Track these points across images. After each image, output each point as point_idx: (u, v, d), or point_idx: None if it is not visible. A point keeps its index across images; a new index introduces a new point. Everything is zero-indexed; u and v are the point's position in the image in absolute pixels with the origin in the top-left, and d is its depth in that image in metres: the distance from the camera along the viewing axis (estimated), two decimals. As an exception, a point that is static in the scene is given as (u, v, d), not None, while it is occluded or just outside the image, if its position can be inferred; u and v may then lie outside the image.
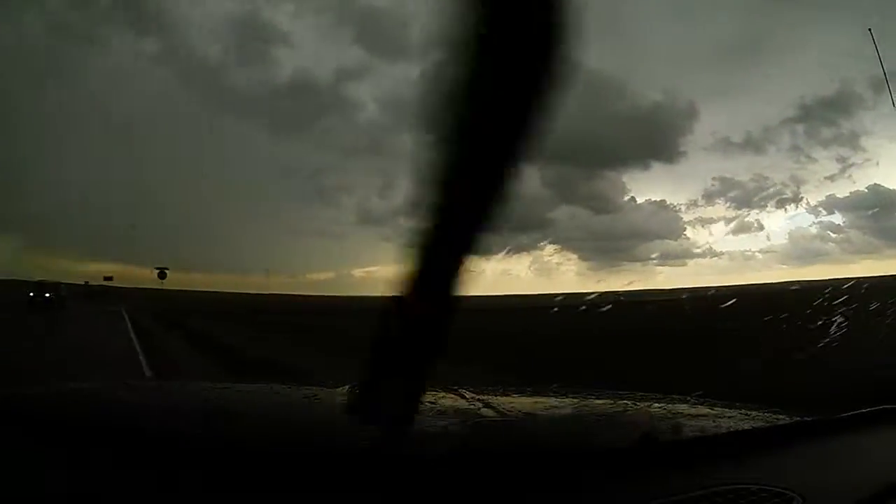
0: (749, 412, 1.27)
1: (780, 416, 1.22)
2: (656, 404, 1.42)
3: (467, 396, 1.34)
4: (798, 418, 1.21)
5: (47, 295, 30.47)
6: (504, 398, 1.43)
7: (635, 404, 1.41)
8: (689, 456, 0.99)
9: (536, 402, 1.50)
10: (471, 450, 0.94)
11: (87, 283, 65.63)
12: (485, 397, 1.35)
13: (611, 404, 1.43)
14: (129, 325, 19.30)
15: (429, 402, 1.36)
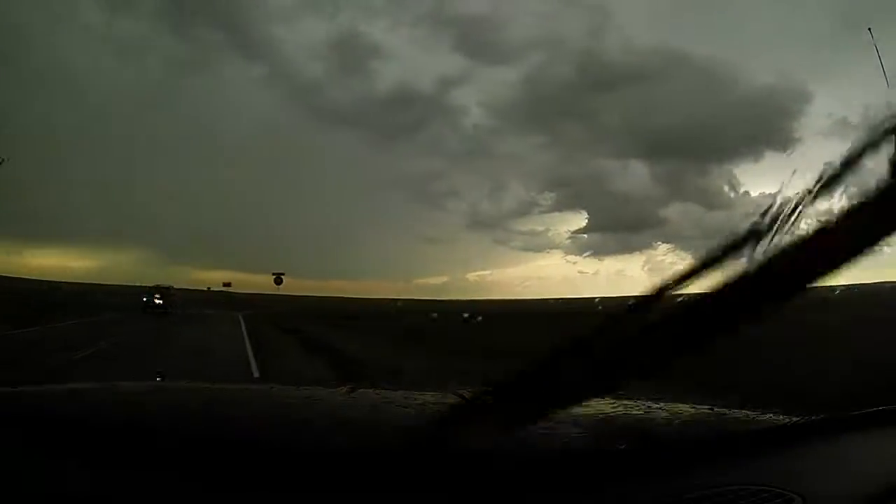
0: (749, 412, 1.27)
1: (781, 417, 1.22)
2: (656, 405, 1.42)
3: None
4: (798, 418, 1.21)
5: (156, 299, 33.92)
6: None
7: (635, 404, 1.41)
8: (689, 456, 0.99)
9: None
10: (470, 450, 0.94)
11: (208, 287, 72.76)
12: None
13: (611, 404, 1.43)
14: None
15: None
